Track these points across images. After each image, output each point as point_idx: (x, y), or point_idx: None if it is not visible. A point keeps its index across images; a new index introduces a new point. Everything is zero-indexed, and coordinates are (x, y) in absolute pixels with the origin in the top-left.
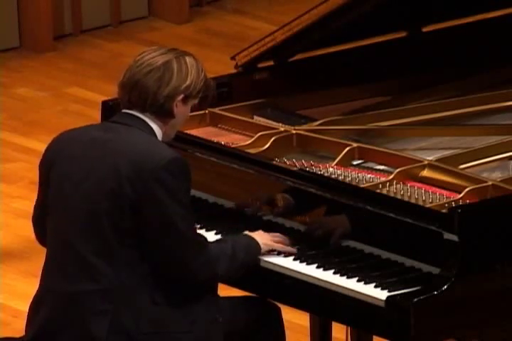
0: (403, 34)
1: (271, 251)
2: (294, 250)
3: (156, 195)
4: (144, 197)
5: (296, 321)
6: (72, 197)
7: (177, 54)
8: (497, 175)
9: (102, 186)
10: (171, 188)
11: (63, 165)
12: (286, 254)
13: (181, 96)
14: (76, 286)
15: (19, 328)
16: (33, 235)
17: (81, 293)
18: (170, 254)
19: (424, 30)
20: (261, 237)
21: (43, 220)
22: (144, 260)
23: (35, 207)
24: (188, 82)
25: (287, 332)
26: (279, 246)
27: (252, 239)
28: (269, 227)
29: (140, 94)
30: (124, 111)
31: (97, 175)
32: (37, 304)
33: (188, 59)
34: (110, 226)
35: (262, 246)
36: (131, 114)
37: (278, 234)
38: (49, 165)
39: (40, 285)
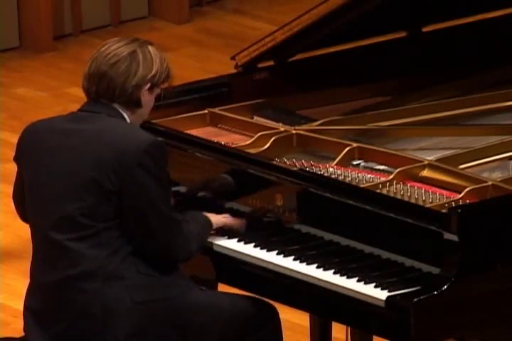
0: (403, 34)
1: (223, 229)
2: (243, 222)
3: (139, 179)
4: (128, 182)
5: (296, 321)
6: (51, 189)
7: (140, 43)
8: (497, 175)
9: (81, 177)
10: (153, 171)
11: (41, 159)
12: (286, 254)
13: (148, 85)
14: (61, 274)
15: (19, 328)
16: None
17: (67, 278)
18: (152, 234)
19: (424, 30)
20: (210, 215)
21: (22, 198)
22: (124, 238)
23: (15, 186)
24: (154, 71)
25: (287, 332)
26: (229, 221)
27: (207, 217)
28: (268, 227)
29: (108, 84)
30: (91, 100)
31: (76, 166)
32: (29, 298)
33: (151, 48)
34: (88, 214)
35: (214, 222)
36: (100, 102)
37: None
38: (24, 158)
39: (30, 279)
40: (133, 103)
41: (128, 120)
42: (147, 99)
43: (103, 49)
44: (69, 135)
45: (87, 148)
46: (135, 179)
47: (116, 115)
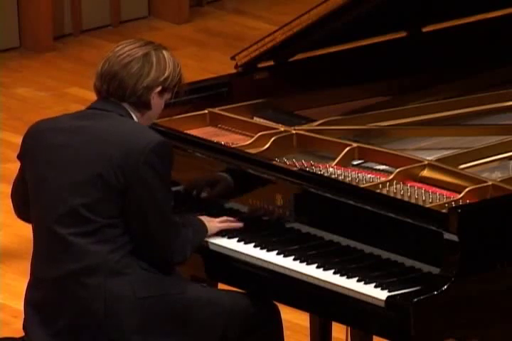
0: (403, 34)
1: (219, 233)
2: (240, 224)
3: (144, 177)
4: (133, 179)
5: (296, 321)
6: (56, 185)
7: (155, 47)
8: (497, 175)
9: (88, 173)
10: (159, 170)
11: (47, 155)
12: (286, 254)
13: (159, 88)
14: (63, 269)
15: (19, 328)
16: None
17: (69, 273)
18: (151, 234)
19: (424, 30)
20: (207, 220)
21: (24, 197)
22: (127, 235)
23: (16, 183)
24: (166, 74)
25: (287, 332)
26: (225, 225)
27: (202, 222)
28: (268, 227)
29: (120, 84)
30: (101, 99)
31: (84, 163)
32: (30, 293)
33: (165, 52)
34: (94, 211)
35: (211, 229)
36: (110, 101)
37: (225, 217)
38: (29, 155)
39: (30, 275)
40: (142, 104)
41: (137, 121)
42: (157, 102)
43: (117, 49)
44: (76, 132)
45: (94, 144)
46: (140, 177)
47: (125, 115)
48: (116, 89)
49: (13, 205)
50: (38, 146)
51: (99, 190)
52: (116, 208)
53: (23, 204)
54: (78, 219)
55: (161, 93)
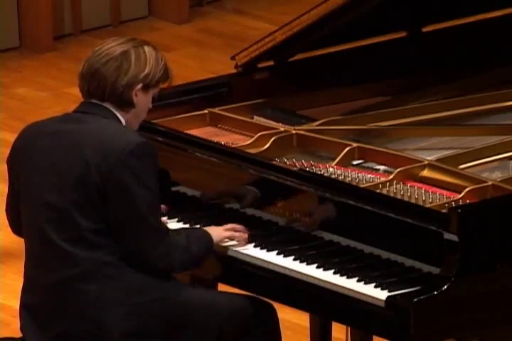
0: (403, 34)
1: (225, 241)
2: (245, 235)
3: (122, 179)
4: (111, 181)
5: (296, 321)
6: (41, 189)
7: (136, 43)
8: (497, 175)
9: (69, 177)
10: (138, 172)
11: (32, 159)
12: (286, 254)
13: (140, 85)
14: (57, 275)
15: (19, 328)
16: None
17: (63, 280)
18: (132, 240)
19: (424, 30)
20: (213, 229)
21: (17, 211)
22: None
23: (8, 199)
24: (146, 71)
25: (287, 332)
26: (229, 234)
27: (205, 231)
28: (268, 227)
29: (99, 83)
30: (85, 101)
31: (65, 166)
32: (25, 297)
33: (146, 48)
34: (80, 216)
35: (214, 237)
36: (93, 103)
37: (230, 225)
38: (18, 160)
39: (24, 278)
40: (124, 103)
41: (123, 120)
42: (142, 99)
43: (96, 48)
44: (61, 135)
45: (76, 148)
46: (118, 179)
47: (109, 116)
48: (95, 89)
49: (8, 220)
50: (26, 151)
51: (81, 195)
52: (102, 213)
53: (17, 220)
54: (67, 224)
55: (144, 89)
